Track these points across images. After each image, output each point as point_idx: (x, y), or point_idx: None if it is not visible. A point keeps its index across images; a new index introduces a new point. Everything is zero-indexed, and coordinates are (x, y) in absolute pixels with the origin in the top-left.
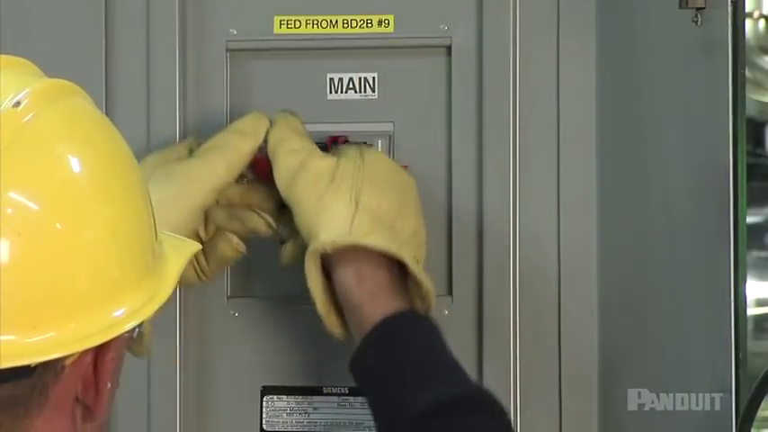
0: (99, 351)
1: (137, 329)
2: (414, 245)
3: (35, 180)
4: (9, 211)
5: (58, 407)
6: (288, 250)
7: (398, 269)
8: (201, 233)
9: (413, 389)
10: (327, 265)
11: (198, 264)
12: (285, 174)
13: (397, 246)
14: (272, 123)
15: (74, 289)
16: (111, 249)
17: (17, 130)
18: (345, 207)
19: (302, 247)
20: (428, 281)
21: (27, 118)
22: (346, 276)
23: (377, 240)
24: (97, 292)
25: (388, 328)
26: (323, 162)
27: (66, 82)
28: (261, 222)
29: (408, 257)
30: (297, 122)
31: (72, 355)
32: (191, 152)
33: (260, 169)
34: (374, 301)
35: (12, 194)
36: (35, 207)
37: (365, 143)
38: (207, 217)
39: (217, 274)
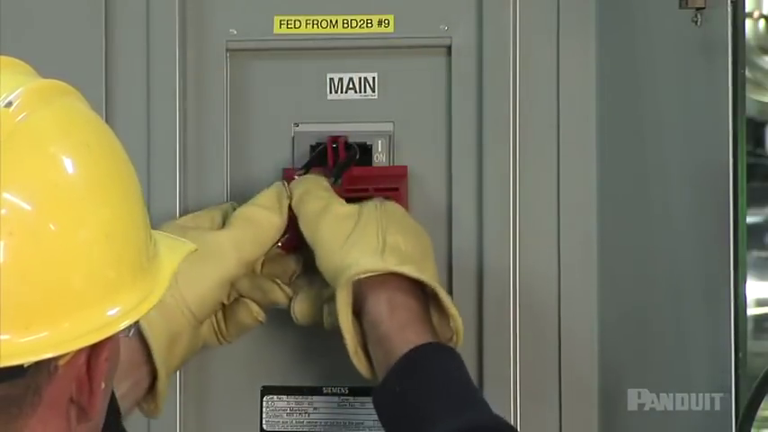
0: (92, 351)
1: (129, 330)
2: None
3: (28, 180)
4: (2, 211)
5: (52, 407)
6: (300, 306)
7: (424, 303)
8: (224, 299)
9: (436, 417)
10: (355, 299)
11: (218, 327)
12: (310, 217)
13: (427, 276)
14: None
15: (67, 289)
16: (105, 249)
17: (10, 130)
18: (374, 243)
19: (314, 299)
20: (457, 313)
21: (20, 118)
22: (378, 305)
23: (410, 269)
24: (91, 292)
25: (415, 359)
26: (346, 207)
27: (59, 82)
28: (282, 295)
29: (439, 287)
30: (321, 179)
31: (65, 355)
32: (224, 217)
33: (286, 242)
34: (403, 333)
35: (5, 195)
36: (28, 207)
37: (365, 143)
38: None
39: (235, 338)
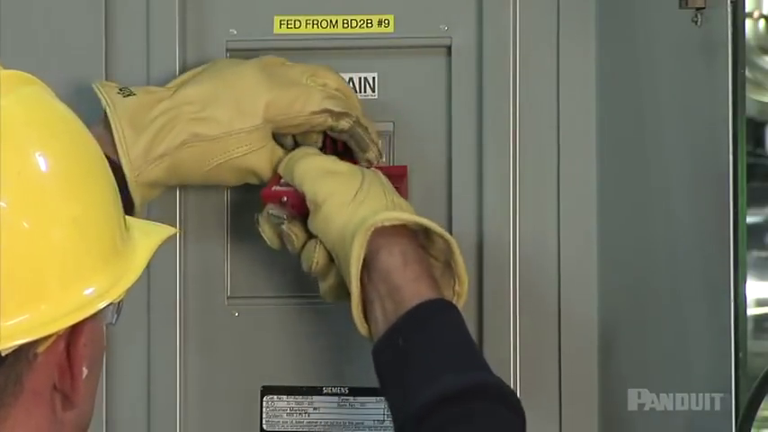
0: (71, 337)
1: (112, 316)
2: None
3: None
4: None
5: (35, 395)
6: (328, 285)
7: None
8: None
9: (439, 374)
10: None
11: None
12: (312, 174)
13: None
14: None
15: (41, 277)
16: (76, 237)
17: None
18: (383, 201)
19: (340, 284)
20: (466, 276)
21: None
22: (392, 257)
23: (428, 221)
24: (64, 278)
25: (423, 315)
26: (347, 165)
27: (22, 72)
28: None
29: (455, 245)
30: (311, 147)
31: (44, 342)
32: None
33: (294, 205)
34: (416, 285)
35: None
36: (1, 204)
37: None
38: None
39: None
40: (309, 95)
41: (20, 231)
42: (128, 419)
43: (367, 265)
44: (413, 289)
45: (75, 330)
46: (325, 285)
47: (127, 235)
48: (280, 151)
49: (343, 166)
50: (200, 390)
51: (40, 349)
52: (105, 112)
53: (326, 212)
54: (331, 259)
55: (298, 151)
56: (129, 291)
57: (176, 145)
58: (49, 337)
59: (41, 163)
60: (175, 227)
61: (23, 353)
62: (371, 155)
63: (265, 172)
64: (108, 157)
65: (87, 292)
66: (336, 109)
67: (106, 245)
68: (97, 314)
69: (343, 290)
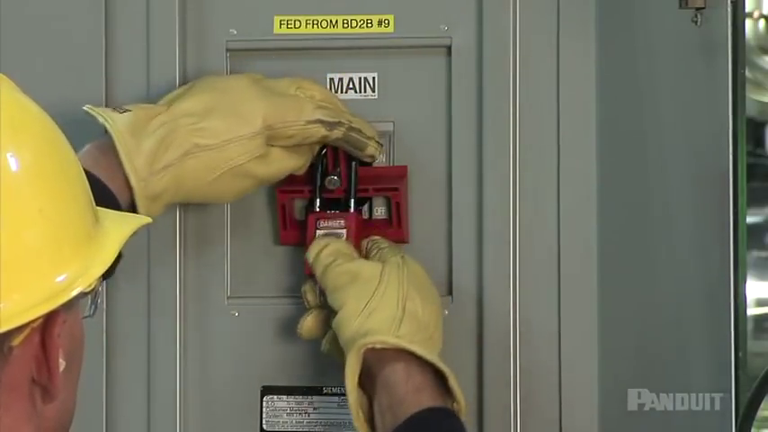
0: (45, 330)
1: (90, 309)
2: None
3: None
4: None
5: (13, 390)
6: (309, 323)
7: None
8: None
9: None
10: (368, 364)
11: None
12: (336, 286)
13: (437, 357)
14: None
15: (10, 268)
16: (44, 227)
17: None
18: (393, 311)
19: (323, 323)
20: (462, 397)
21: None
22: (395, 371)
23: (423, 350)
24: (35, 268)
25: (427, 418)
26: (369, 268)
27: None
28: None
29: (449, 372)
30: (341, 243)
31: (18, 335)
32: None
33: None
34: (418, 396)
35: None
36: None
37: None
38: None
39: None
40: (302, 105)
41: None
42: (128, 419)
43: (373, 376)
44: (414, 400)
45: (49, 321)
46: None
47: (99, 225)
48: (280, 158)
49: (366, 267)
50: (200, 390)
51: (15, 342)
52: (97, 140)
53: (339, 320)
54: None
55: (325, 248)
56: (100, 280)
57: (179, 155)
58: (23, 329)
59: (11, 161)
60: (176, 227)
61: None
62: (371, 150)
63: (269, 177)
64: (108, 179)
65: (59, 279)
66: (328, 119)
67: (77, 234)
68: (71, 305)
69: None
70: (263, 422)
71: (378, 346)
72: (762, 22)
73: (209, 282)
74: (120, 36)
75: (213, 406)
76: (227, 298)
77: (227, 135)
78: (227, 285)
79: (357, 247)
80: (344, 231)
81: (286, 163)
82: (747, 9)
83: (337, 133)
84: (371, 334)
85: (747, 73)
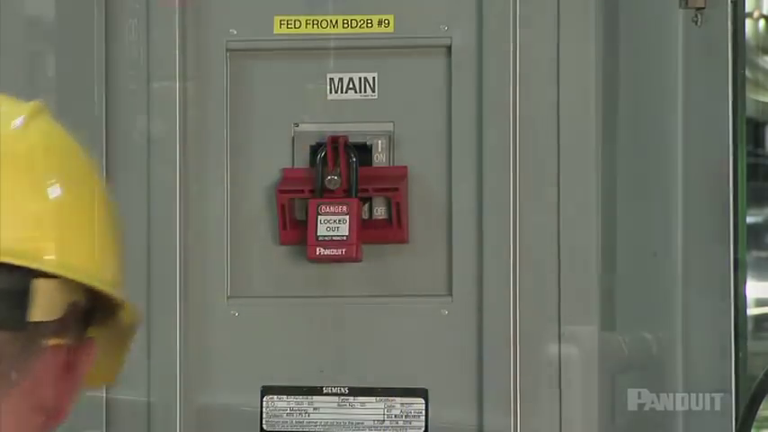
0: (74, 353)
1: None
2: None
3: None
4: None
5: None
6: None
7: None
8: None
9: None
10: None
11: None
12: None
13: None
14: None
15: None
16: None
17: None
18: None
19: None
20: None
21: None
22: None
23: None
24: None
25: None
26: None
27: (38, 102)
28: None
29: None
30: None
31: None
32: None
33: None
34: None
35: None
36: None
37: (365, 143)
38: None
39: None
40: None
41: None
42: (128, 419)
43: None
44: None
45: (79, 349)
46: None
47: None
48: None
49: None
50: (201, 390)
51: (51, 342)
52: None
53: None
54: None
55: None
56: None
57: None
58: (62, 336)
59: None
60: (176, 227)
61: (40, 334)
62: None
63: None
64: None
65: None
66: None
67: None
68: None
69: None
70: (263, 422)
71: None
72: (762, 22)
73: (209, 282)
74: (121, 36)
75: (213, 406)
76: (228, 298)
77: None
78: (228, 285)
79: (358, 234)
80: (347, 218)
81: None
82: (747, 9)
83: None
84: None
85: (747, 73)
